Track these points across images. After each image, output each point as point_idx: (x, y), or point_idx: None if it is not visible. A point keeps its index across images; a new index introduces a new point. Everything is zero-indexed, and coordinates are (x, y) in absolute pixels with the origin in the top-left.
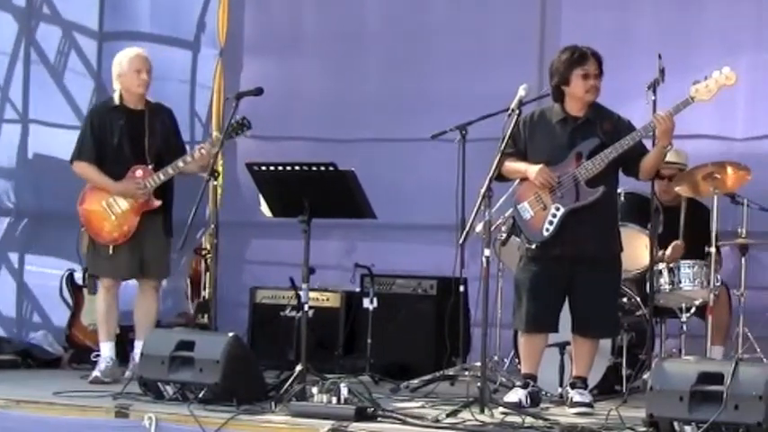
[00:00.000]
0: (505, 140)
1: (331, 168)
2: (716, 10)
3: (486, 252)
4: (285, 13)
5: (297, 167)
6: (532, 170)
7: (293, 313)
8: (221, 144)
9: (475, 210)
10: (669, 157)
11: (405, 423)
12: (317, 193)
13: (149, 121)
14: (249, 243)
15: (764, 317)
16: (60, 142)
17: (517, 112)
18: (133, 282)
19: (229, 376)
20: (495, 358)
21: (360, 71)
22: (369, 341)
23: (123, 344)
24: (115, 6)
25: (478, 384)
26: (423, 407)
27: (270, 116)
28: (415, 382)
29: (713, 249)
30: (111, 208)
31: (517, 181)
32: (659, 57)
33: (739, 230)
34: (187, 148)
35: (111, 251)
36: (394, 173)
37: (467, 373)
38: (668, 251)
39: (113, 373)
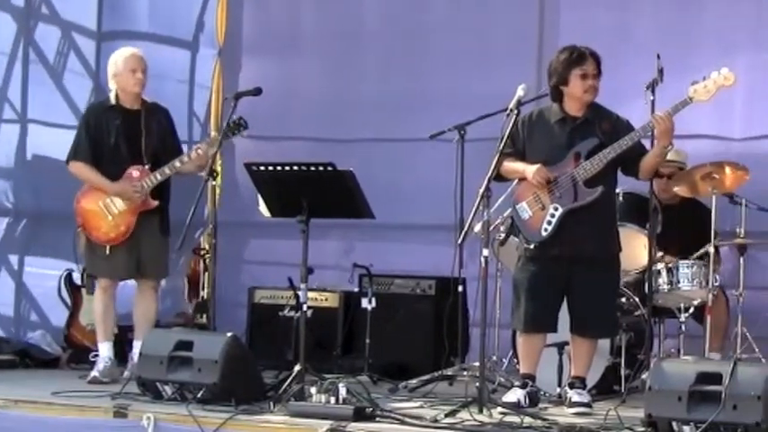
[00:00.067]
0: (504, 140)
1: (329, 168)
2: (714, 10)
3: (485, 252)
4: (284, 12)
5: (295, 167)
6: (530, 170)
7: (292, 313)
8: (220, 144)
9: (473, 210)
10: (668, 156)
11: (403, 423)
12: (316, 193)
13: (145, 121)
14: (248, 243)
15: (763, 317)
16: (59, 142)
17: (516, 111)
18: (132, 282)
19: (228, 376)
20: (494, 358)
21: (358, 71)
22: (367, 341)
23: (122, 344)
24: (114, 6)
25: (477, 384)
26: (421, 407)
27: (268, 116)
28: (414, 382)
29: (712, 249)
30: (108, 208)
31: (516, 181)
32: (658, 57)
33: (738, 230)
34: (184, 148)
35: (107, 251)
36: (392, 173)
37: (465, 373)
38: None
39: (112, 373)
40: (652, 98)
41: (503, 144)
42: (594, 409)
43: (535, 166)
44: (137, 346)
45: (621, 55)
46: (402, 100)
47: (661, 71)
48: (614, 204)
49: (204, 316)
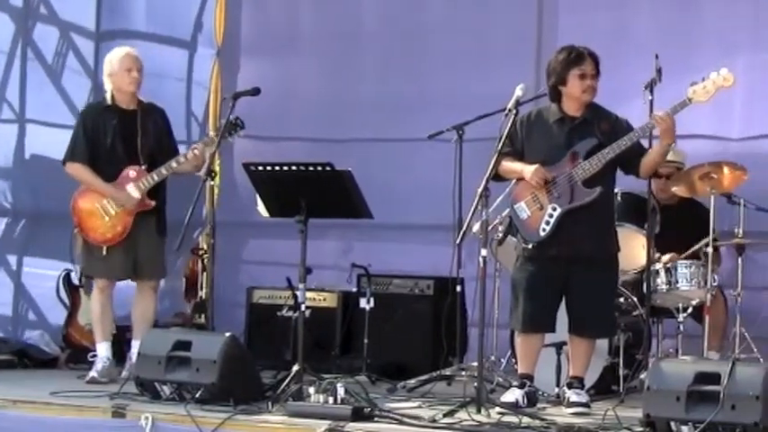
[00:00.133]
0: (502, 140)
1: (328, 168)
2: (713, 10)
3: (483, 252)
4: (282, 13)
5: (294, 167)
6: (528, 170)
7: (290, 313)
8: (218, 144)
9: (472, 210)
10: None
11: (401, 423)
12: (314, 193)
13: (142, 121)
14: (246, 243)
15: (761, 317)
16: (57, 142)
17: (514, 112)
18: (131, 283)
19: (226, 376)
20: (492, 358)
21: (357, 71)
22: (365, 341)
23: (120, 344)
24: (112, 6)
25: (475, 384)
26: (419, 407)
27: (267, 116)
28: (412, 382)
29: (710, 249)
30: (104, 209)
31: (514, 181)
32: (656, 57)
33: (736, 230)
34: (183, 148)
35: (104, 252)
36: (391, 173)
37: (464, 373)
38: (665, 258)
39: (110, 373)
40: (650, 98)
41: (501, 144)
42: (593, 410)
43: (533, 167)
44: (135, 346)
45: (620, 55)
46: (400, 100)
47: (659, 71)
48: (612, 204)
49: (202, 316)
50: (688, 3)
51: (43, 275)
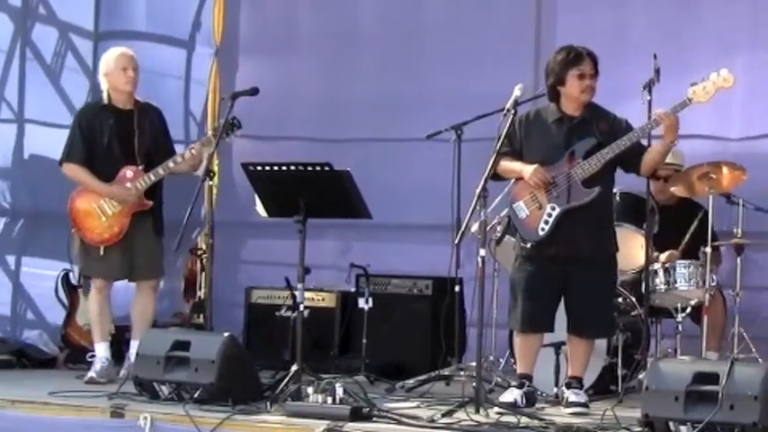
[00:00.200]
0: (501, 140)
1: (326, 168)
2: (712, 10)
3: (482, 252)
4: (281, 12)
5: (292, 167)
6: (527, 170)
7: (288, 313)
8: (216, 144)
9: (470, 210)
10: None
11: (400, 423)
12: (313, 193)
13: (138, 121)
14: (245, 243)
15: (760, 317)
16: (56, 142)
17: (513, 111)
18: (130, 283)
19: (225, 376)
20: (491, 358)
21: (355, 71)
22: (364, 341)
23: (120, 344)
24: (110, 6)
25: (474, 384)
26: (418, 407)
27: (265, 116)
28: (411, 382)
29: (708, 249)
30: (102, 209)
31: (513, 180)
32: (654, 57)
33: (735, 230)
34: (181, 147)
35: (101, 252)
36: (389, 173)
37: (462, 373)
38: (663, 257)
39: (109, 373)
40: (649, 98)
41: (500, 144)
42: (591, 409)
43: (532, 166)
44: (134, 345)
45: (618, 55)
46: (399, 100)
47: (658, 71)
48: (611, 204)
49: (201, 316)
50: (687, 2)
51: (42, 275)
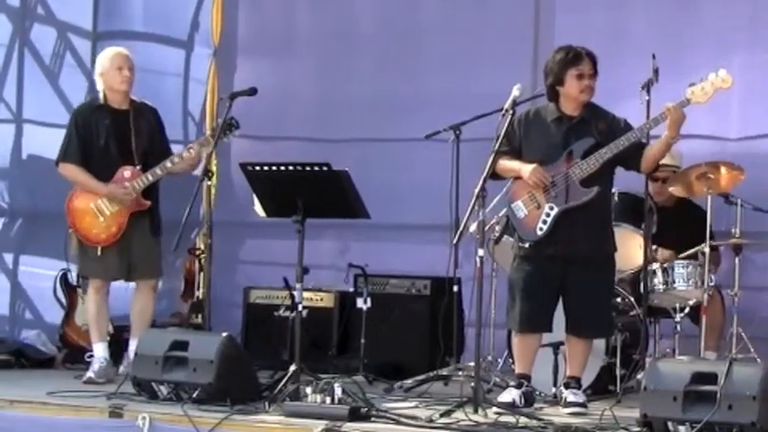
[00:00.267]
0: (500, 140)
1: (325, 168)
2: (710, 10)
3: (480, 252)
4: (279, 13)
5: (290, 167)
6: (526, 169)
7: (287, 313)
8: (215, 144)
9: (469, 209)
10: (663, 159)
11: (398, 423)
12: (311, 193)
13: (134, 121)
14: (243, 243)
15: (758, 317)
16: (54, 143)
17: (511, 112)
18: (129, 283)
19: (223, 376)
20: (489, 358)
21: (353, 71)
22: (362, 341)
23: (119, 344)
24: (109, 7)
25: (472, 384)
26: (416, 407)
27: (264, 116)
28: (409, 382)
29: (707, 249)
30: (99, 209)
31: (511, 180)
32: (653, 57)
33: (733, 230)
34: (179, 147)
35: (99, 252)
36: (388, 173)
37: (460, 373)
38: (660, 253)
39: (107, 373)
40: (647, 98)
41: (498, 143)
42: (590, 409)
43: (531, 166)
44: (132, 344)
45: (617, 55)
46: (397, 100)
47: (656, 71)
48: (610, 204)
49: (199, 316)
50: (685, 2)
51: (40, 275)
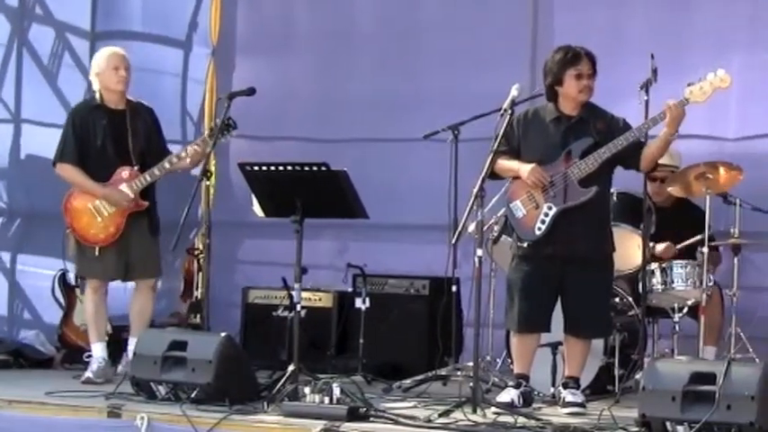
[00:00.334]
0: (498, 139)
1: (323, 168)
2: (709, 10)
3: (479, 252)
4: (277, 12)
5: (289, 167)
6: (525, 169)
7: (285, 313)
8: (214, 145)
9: (467, 209)
10: (662, 160)
11: (397, 423)
12: (310, 193)
13: (131, 121)
14: (242, 243)
15: (757, 317)
16: (53, 143)
17: (510, 111)
18: (130, 284)
19: (222, 376)
20: (488, 358)
21: (352, 70)
22: (361, 341)
23: (118, 344)
24: (107, 6)
25: (471, 384)
26: (415, 407)
27: (262, 116)
28: (408, 382)
29: (705, 249)
30: (97, 210)
31: (510, 180)
32: (652, 57)
33: (732, 230)
34: (177, 147)
35: (97, 252)
36: (386, 173)
37: (459, 373)
38: (659, 247)
39: (105, 373)
40: (646, 98)
41: (497, 143)
42: (588, 410)
43: (530, 166)
44: (131, 343)
45: (616, 54)
46: (396, 100)
47: (655, 71)
48: (608, 204)
49: (198, 316)
50: (684, 2)
51: (39, 275)
